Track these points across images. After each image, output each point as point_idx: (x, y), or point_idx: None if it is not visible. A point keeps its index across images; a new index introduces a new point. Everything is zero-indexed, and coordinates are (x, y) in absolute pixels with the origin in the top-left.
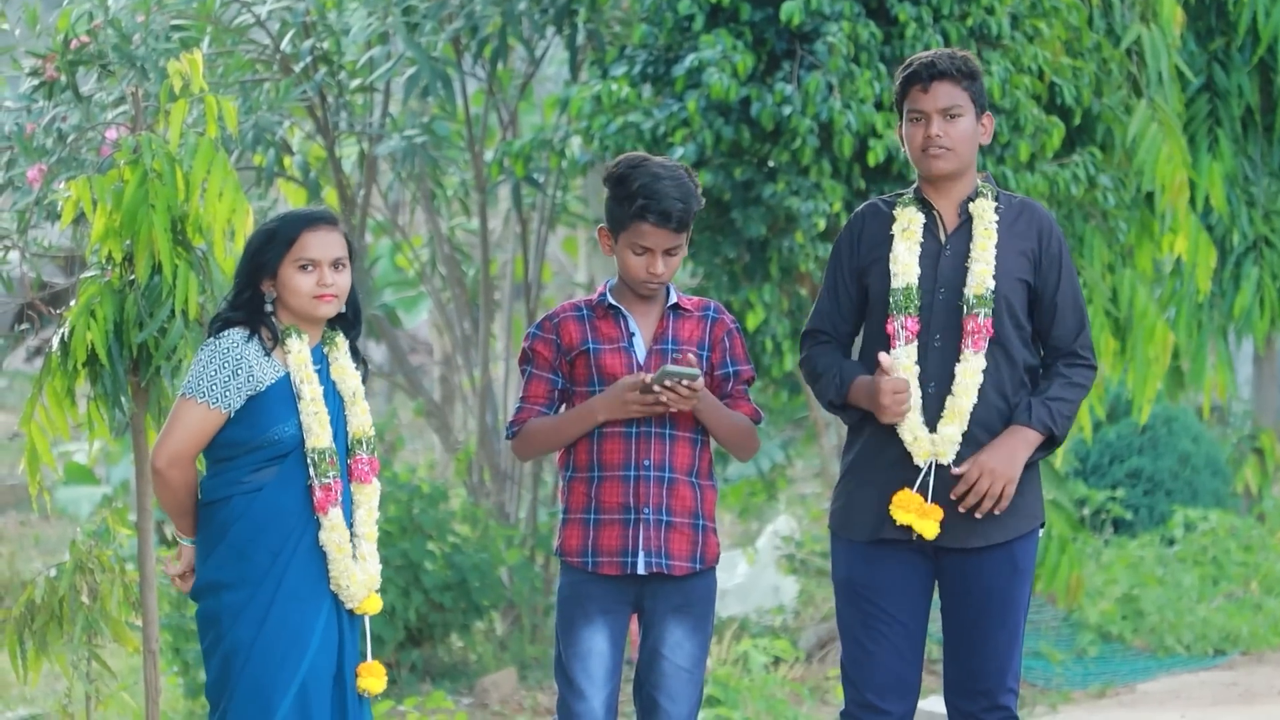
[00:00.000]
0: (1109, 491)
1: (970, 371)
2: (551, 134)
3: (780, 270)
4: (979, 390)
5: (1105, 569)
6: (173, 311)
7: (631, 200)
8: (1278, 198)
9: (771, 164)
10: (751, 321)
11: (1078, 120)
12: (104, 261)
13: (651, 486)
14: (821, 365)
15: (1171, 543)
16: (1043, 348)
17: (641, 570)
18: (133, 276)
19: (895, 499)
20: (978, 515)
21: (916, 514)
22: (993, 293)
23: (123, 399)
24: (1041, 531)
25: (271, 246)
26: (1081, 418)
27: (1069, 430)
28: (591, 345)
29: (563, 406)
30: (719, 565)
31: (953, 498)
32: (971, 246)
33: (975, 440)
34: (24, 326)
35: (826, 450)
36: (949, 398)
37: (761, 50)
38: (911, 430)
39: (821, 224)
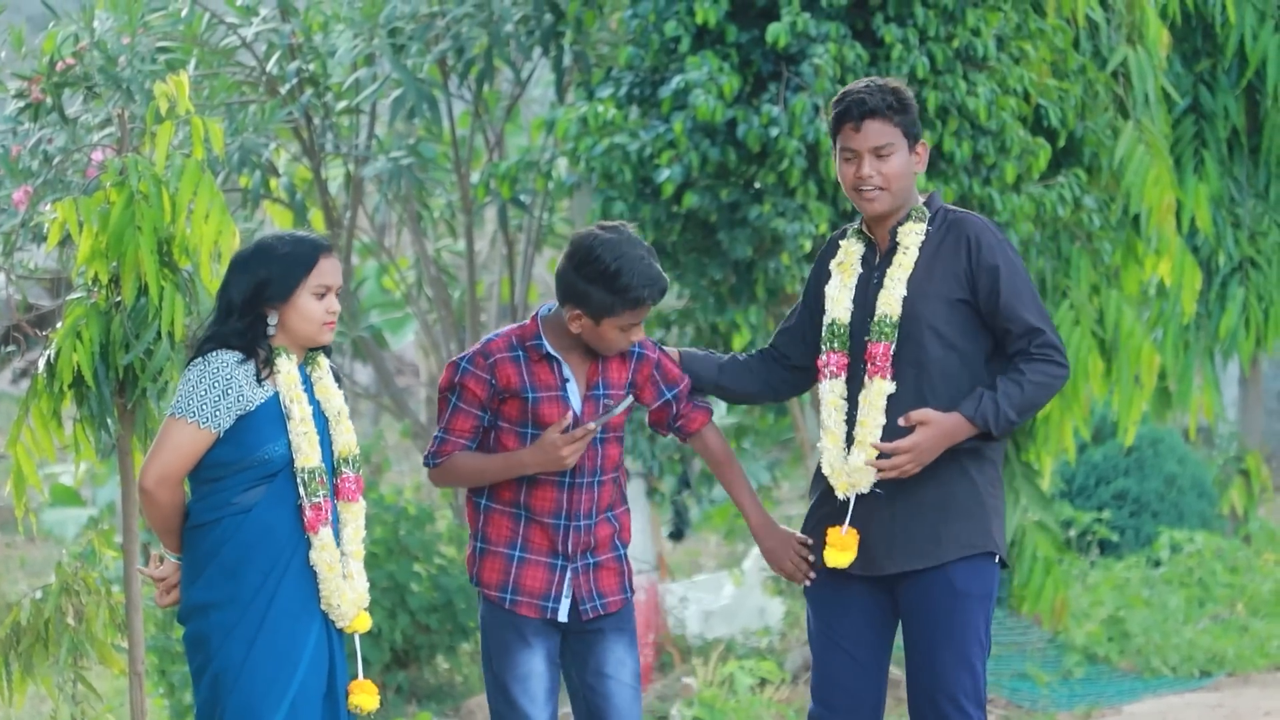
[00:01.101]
0: (1095, 513)
1: (870, 398)
2: (538, 155)
3: (766, 292)
4: (895, 414)
5: (1091, 590)
6: (159, 333)
7: (629, 290)
8: (1263, 219)
9: (758, 185)
10: (737, 343)
11: (1063, 142)
12: (90, 283)
13: (581, 535)
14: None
15: (1157, 564)
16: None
17: (563, 618)
18: (119, 298)
19: (829, 538)
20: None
21: (837, 548)
22: (897, 319)
23: (109, 421)
24: (998, 560)
25: (291, 271)
26: (1066, 440)
27: (1012, 424)
28: (530, 393)
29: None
30: (706, 587)
31: (875, 459)
32: (888, 273)
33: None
34: (10, 349)
35: (813, 472)
36: (855, 427)
37: (748, 72)
38: (830, 463)
39: (808, 245)
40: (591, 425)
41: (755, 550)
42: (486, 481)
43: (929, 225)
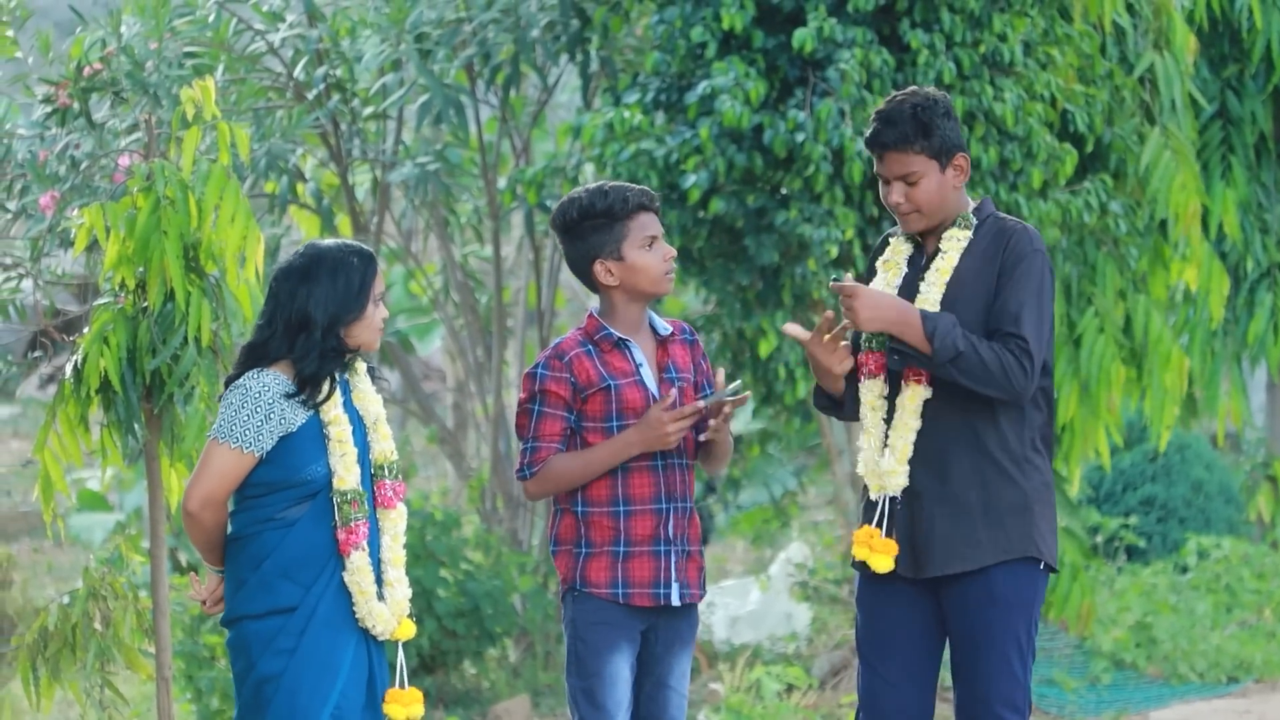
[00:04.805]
0: (1122, 519)
1: (906, 403)
2: (564, 161)
3: (793, 297)
4: (938, 417)
5: (1118, 596)
6: (185, 338)
7: (615, 207)
8: None
9: (784, 191)
10: (764, 349)
11: (1090, 148)
12: (117, 288)
13: (680, 519)
14: None
15: (1185, 570)
16: None
17: (675, 601)
18: (145, 303)
19: (855, 535)
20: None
21: (869, 548)
22: None
23: (136, 426)
24: (1044, 566)
25: (365, 285)
26: (1099, 444)
27: (955, 351)
28: (612, 381)
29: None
30: (733, 593)
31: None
32: (925, 277)
33: (940, 471)
34: (37, 354)
35: (839, 477)
36: (890, 431)
37: (774, 77)
38: (866, 463)
39: (834, 251)
40: (701, 403)
41: (782, 556)
42: (593, 473)
43: (974, 232)
